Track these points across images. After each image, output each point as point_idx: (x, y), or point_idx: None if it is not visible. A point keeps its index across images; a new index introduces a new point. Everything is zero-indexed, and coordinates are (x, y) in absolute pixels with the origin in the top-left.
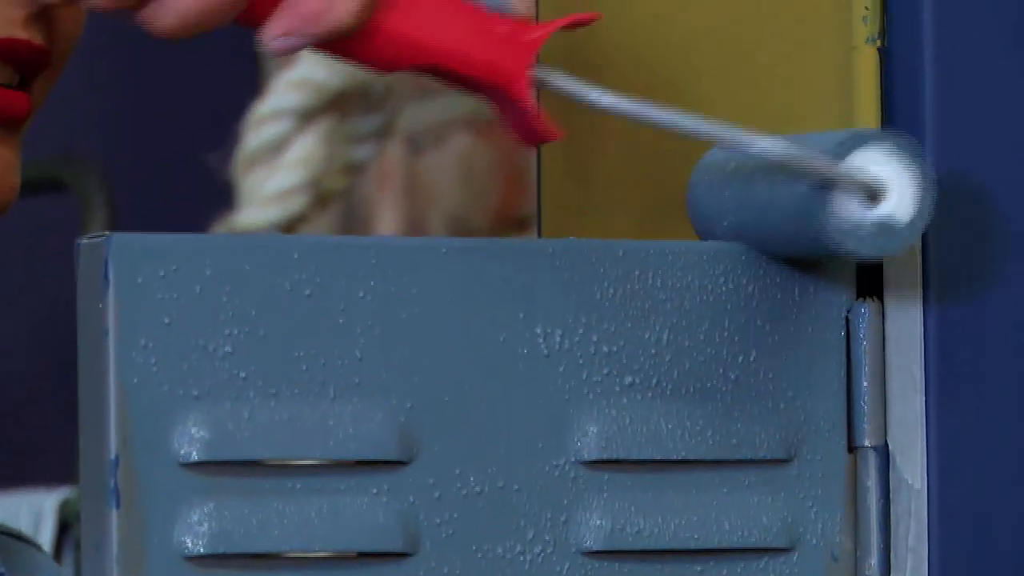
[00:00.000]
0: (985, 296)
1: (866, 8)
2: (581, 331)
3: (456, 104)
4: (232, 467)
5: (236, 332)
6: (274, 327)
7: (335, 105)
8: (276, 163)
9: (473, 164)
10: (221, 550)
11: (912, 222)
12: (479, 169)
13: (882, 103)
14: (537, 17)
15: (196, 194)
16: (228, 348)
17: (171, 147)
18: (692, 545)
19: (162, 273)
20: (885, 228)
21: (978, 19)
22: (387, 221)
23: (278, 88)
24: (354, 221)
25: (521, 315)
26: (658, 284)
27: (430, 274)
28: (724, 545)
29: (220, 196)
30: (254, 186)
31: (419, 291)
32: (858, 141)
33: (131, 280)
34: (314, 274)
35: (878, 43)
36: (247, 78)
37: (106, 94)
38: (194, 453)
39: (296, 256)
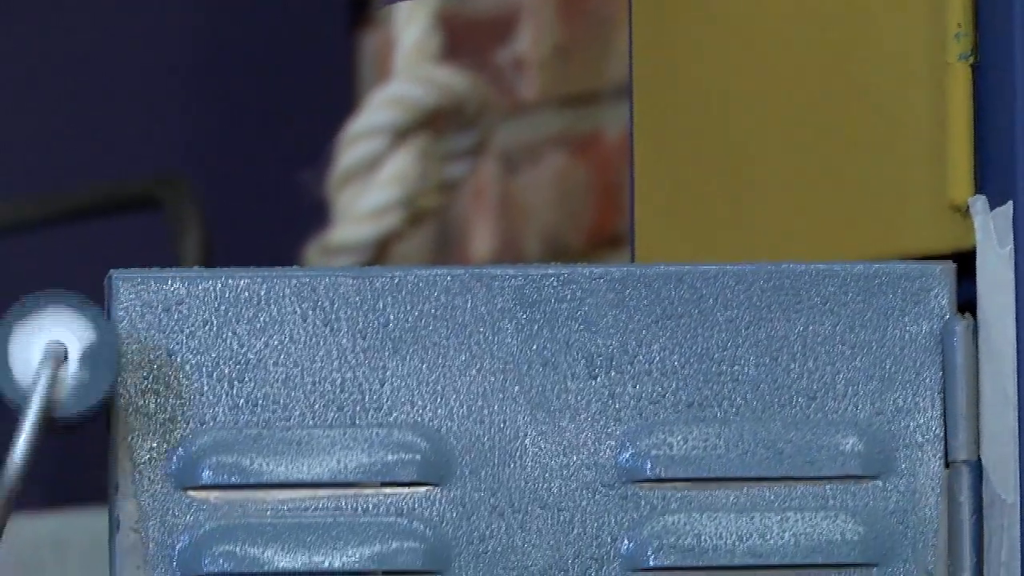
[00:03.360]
0: None
1: (959, 25)
2: (636, 353)
3: (551, 122)
4: (243, 489)
5: (247, 362)
6: (288, 357)
7: (430, 123)
8: (370, 181)
9: (567, 182)
10: (235, 569)
11: (94, 376)
12: (573, 187)
13: (975, 121)
14: (631, 21)
15: (290, 212)
16: (238, 378)
17: (265, 165)
18: (754, 561)
19: (167, 307)
20: (77, 385)
21: None
22: (481, 239)
23: (373, 106)
24: (448, 239)
25: (570, 339)
26: (721, 305)
27: (467, 301)
28: (794, 561)
29: (314, 214)
30: (348, 204)
31: (452, 319)
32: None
33: (135, 314)
34: (335, 306)
35: (971, 60)
36: (342, 96)
37: (201, 113)
38: (205, 477)
39: (315, 289)
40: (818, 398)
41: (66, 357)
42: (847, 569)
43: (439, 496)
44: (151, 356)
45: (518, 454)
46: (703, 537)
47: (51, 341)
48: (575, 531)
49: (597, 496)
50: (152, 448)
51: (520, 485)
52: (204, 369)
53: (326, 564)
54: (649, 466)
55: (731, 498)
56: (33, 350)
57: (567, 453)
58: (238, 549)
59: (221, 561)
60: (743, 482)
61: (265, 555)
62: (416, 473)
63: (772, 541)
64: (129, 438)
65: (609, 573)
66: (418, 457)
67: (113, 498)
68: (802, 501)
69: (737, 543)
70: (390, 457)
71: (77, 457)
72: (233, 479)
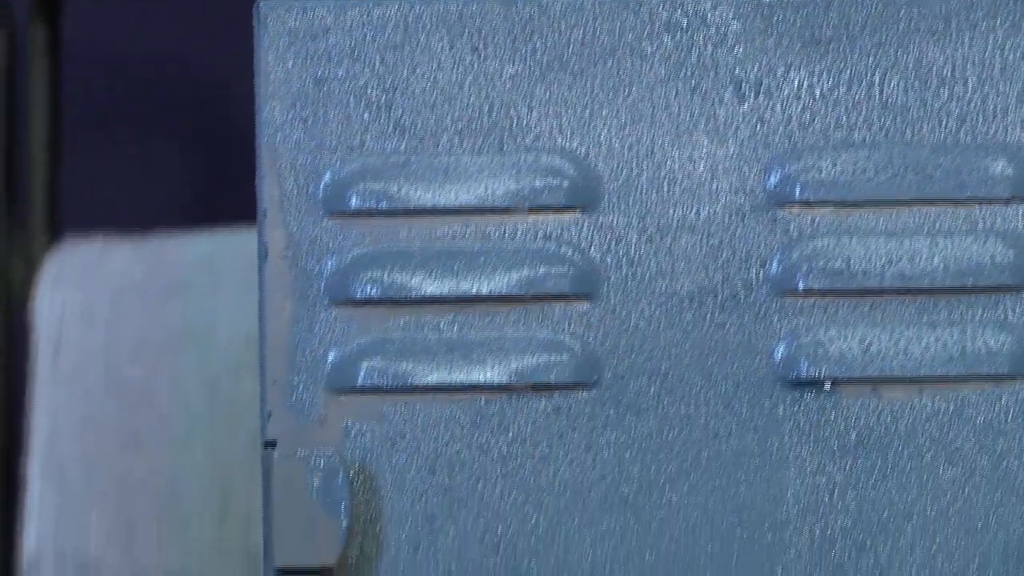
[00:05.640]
0: None
1: None
2: (784, 77)
3: None
4: (391, 216)
5: (395, 90)
6: (435, 85)
7: None
8: None
9: None
10: (383, 295)
11: None
12: None
13: None
14: None
15: None
16: (385, 105)
17: None
18: (903, 284)
19: (314, 35)
20: None
21: None
22: None
23: None
24: None
25: (718, 64)
26: (869, 29)
27: (614, 27)
28: (943, 284)
29: None
30: None
31: (600, 45)
32: None
33: (282, 43)
34: (482, 33)
35: None
36: None
37: None
38: (353, 201)
39: (462, 17)
40: (967, 121)
41: None
42: (997, 292)
43: (587, 222)
44: (298, 85)
45: (665, 179)
46: (852, 260)
47: None
48: (724, 255)
49: (746, 220)
50: (300, 176)
51: (667, 210)
52: (351, 97)
53: (473, 290)
54: (798, 190)
55: (880, 222)
56: None
57: (715, 178)
58: (386, 275)
59: (369, 287)
60: (892, 206)
61: (413, 281)
62: (564, 198)
63: (921, 264)
64: (278, 165)
65: (758, 297)
66: (565, 183)
67: (262, 225)
68: (951, 224)
69: (886, 266)
70: (538, 183)
71: (228, 178)
72: (381, 205)
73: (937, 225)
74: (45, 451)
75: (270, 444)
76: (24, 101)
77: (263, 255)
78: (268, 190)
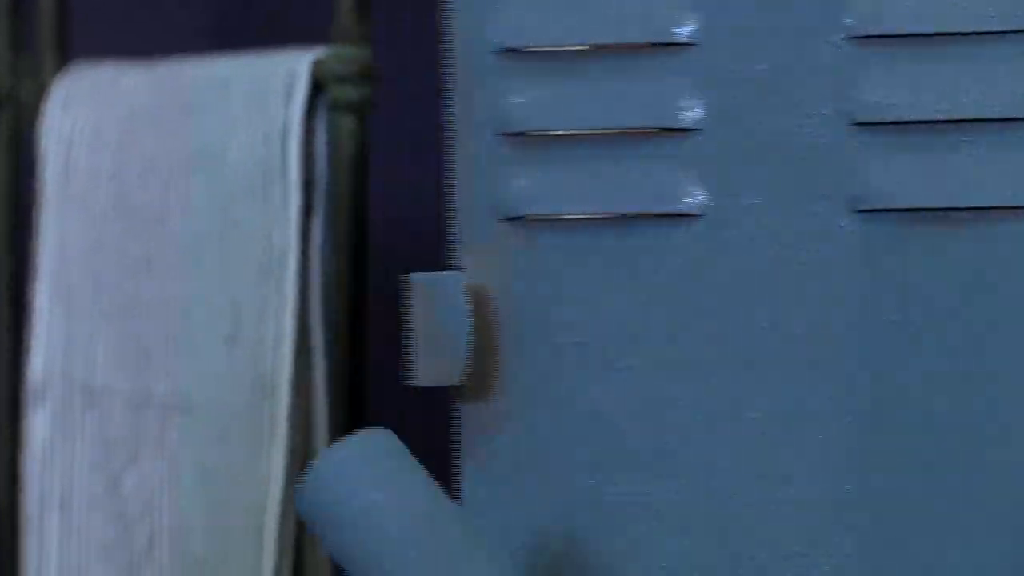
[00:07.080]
0: None
1: None
2: None
3: None
4: (541, 55)
5: None
6: None
7: None
8: None
9: None
10: (534, 126)
11: None
12: None
13: None
14: None
15: None
16: None
17: None
18: (976, 113)
19: None
20: None
21: None
22: None
23: None
24: None
25: None
26: None
27: None
28: (1006, 115)
29: None
30: None
31: None
32: None
33: None
34: None
35: None
36: None
37: None
38: (524, 41)
39: None
40: None
41: None
42: None
43: (686, 57)
44: None
45: (758, 22)
46: (921, 94)
47: None
48: (805, 93)
49: (825, 55)
50: (478, 16)
51: (760, 52)
52: None
53: (614, 124)
54: (871, 26)
55: (955, 51)
56: None
57: (796, 19)
58: (555, 112)
59: (537, 122)
60: (956, 38)
61: (569, 116)
62: (671, 34)
63: (989, 97)
64: (461, 9)
65: (835, 131)
66: (672, 16)
67: (448, 65)
68: (1017, 56)
69: (959, 100)
70: (658, 23)
71: (243, 3)
72: (547, 44)
73: (1000, 58)
74: (54, 275)
75: (457, 269)
76: None
77: (451, 91)
78: (453, 34)
